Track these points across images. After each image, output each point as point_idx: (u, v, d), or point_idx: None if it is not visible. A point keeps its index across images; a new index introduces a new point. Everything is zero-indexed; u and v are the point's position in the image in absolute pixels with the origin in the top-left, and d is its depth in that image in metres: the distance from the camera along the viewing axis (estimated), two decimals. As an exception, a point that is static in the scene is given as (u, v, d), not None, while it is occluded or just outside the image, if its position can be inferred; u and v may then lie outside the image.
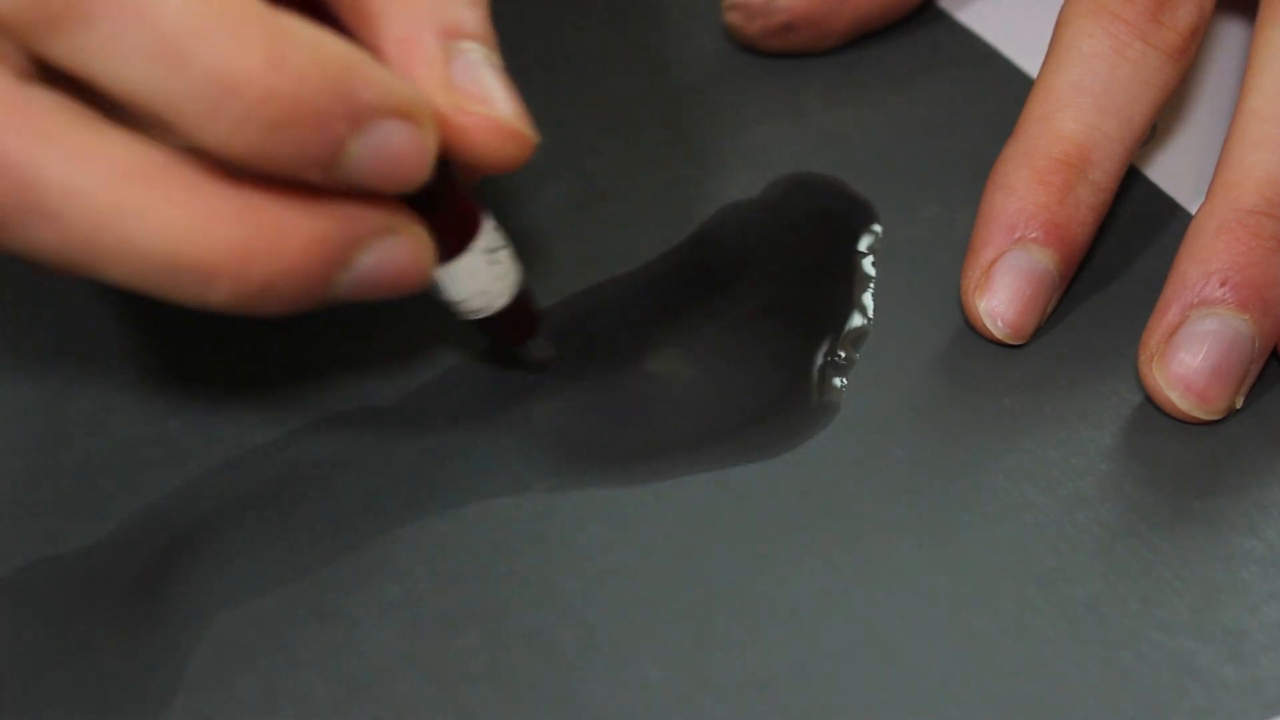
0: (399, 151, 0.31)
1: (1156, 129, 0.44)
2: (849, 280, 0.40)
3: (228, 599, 0.34)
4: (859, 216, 0.42)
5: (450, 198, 0.34)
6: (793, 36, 0.46)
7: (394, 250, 0.32)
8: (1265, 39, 0.40)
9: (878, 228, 0.42)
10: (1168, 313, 0.37)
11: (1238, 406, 0.38)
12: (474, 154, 0.33)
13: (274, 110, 0.29)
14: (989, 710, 0.33)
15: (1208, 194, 0.38)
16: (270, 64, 0.29)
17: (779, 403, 0.38)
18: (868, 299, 0.40)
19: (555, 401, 0.38)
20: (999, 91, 0.45)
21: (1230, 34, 0.47)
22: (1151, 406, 0.38)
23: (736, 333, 0.39)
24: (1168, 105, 0.41)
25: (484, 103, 0.33)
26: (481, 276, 0.35)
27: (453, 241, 0.34)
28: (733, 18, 0.46)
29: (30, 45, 0.29)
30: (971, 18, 0.48)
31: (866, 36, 0.47)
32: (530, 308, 0.36)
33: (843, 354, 0.39)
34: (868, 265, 0.41)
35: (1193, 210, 0.41)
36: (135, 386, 0.38)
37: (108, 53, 0.29)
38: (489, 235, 0.35)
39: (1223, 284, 0.37)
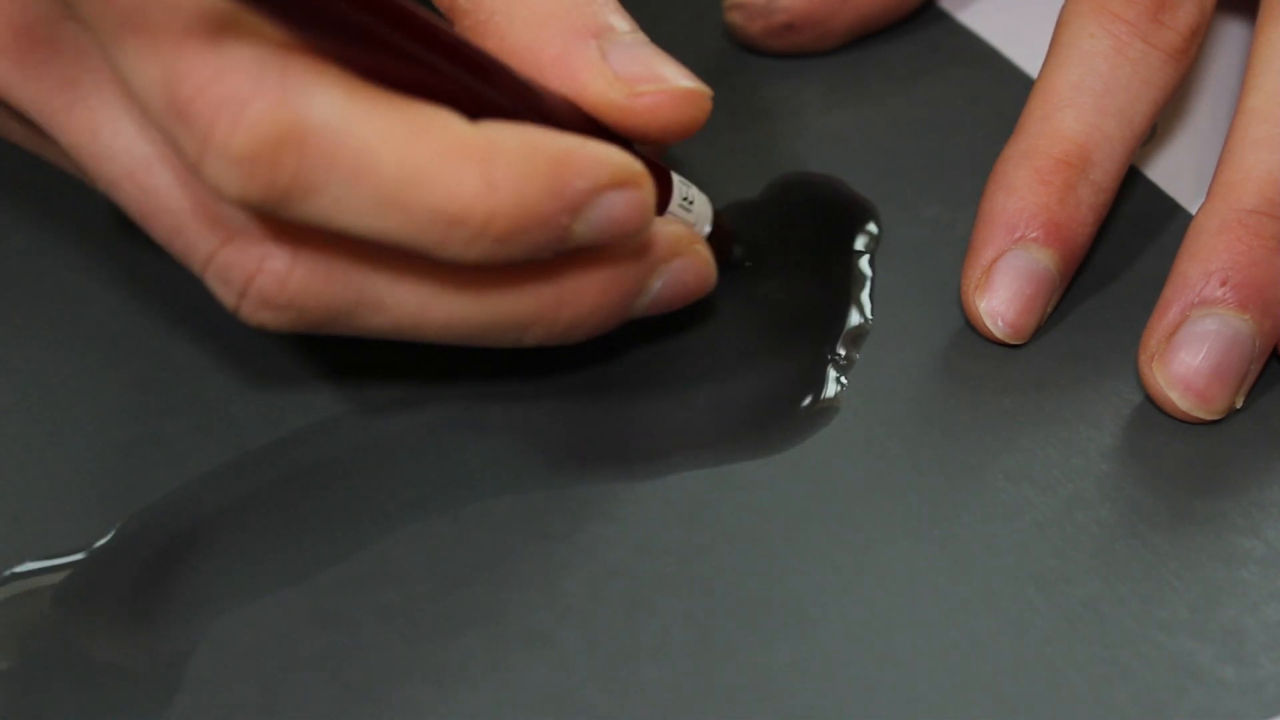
0: (621, 217, 0.33)
1: (1156, 129, 0.44)
2: (849, 280, 0.40)
3: (228, 600, 0.34)
4: (859, 216, 0.42)
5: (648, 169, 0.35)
6: (794, 36, 0.46)
7: (683, 272, 0.36)
8: (1265, 39, 0.40)
9: (877, 228, 0.42)
10: (1168, 312, 0.37)
11: (1238, 406, 0.37)
12: (661, 128, 0.35)
13: (498, 228, 0.31)
14: (989, 710, 0.33)
15: (1208, 194, 0.38)
16: (486, 189, 0.31)
17: (779, 401, 0.38)
18: (867, 299, 0.40)
19: (555, 401, 0.38)
20: (999, 91, 0.45)
21: (1230, 34, 0.47)
22: (1151, 406, 0.38)
23: (736, 331, 0.39)
24: (1168, 105, 0.41)
25: (654, 80, 0.34)
26: (686, 218, 0.37)
27: (660, 202, 0.36)
28: (734, 18, 0.46)
29: (272, 214, 0.31)
30: (971, 18, 0.48)
31: (867, 36, 0.47)
32: (726, 227, 0.39)
33: (843, 353, 0.39)
34: (867, 265, 0.41)
35: (1193, 210, 0.41)
36: (135, 387, 0.38)
37: (339, 210, 0.30)
38: (679, 185, 0.37)
39: (1223, 284, 0.37)
